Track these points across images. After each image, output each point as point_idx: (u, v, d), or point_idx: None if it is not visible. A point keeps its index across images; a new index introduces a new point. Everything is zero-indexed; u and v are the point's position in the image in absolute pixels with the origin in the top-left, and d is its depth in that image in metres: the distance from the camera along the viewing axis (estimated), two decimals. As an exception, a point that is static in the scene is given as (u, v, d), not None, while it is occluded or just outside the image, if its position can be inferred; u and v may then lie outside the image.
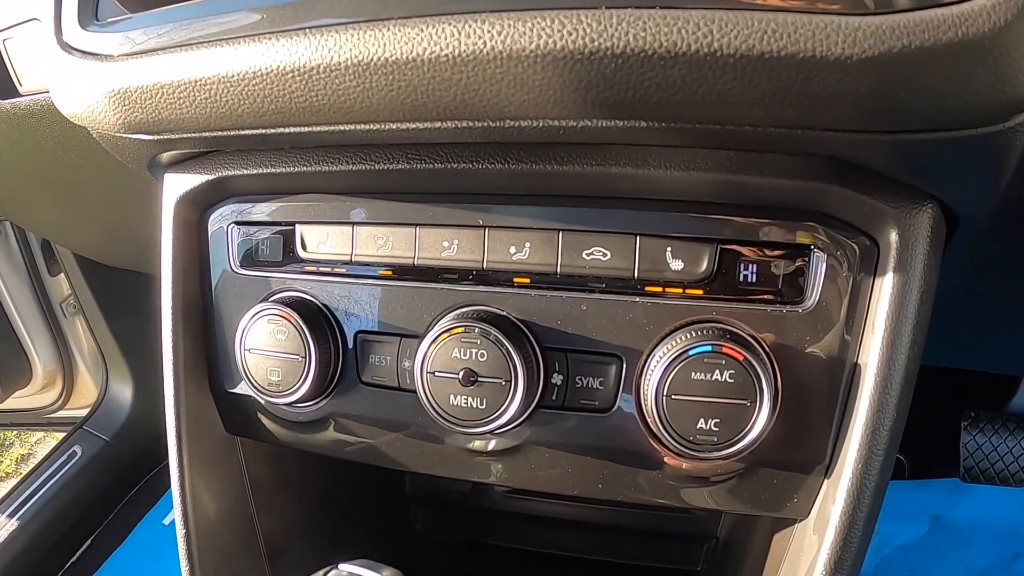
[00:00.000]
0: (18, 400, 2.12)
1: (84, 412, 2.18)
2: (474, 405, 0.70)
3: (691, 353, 0.64)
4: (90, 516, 2.08)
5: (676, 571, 1.30)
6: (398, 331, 0.76)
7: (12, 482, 2.21)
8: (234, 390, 0.86)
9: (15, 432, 3.19)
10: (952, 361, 1.25)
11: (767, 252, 0.66)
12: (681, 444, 0.66)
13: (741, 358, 0.64)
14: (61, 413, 2.24)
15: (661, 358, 0.66)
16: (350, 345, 0.78)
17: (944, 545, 1.87)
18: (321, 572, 0.70)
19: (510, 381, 0.68)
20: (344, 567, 0.70)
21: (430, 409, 0.72)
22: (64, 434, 2.16)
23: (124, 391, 2.16)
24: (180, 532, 0.88)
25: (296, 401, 0.79)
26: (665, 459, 0.71)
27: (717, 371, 0.64)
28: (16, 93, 0.98)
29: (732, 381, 0.64)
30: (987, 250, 0.77)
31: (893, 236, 0.62)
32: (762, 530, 0.93)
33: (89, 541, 2.07)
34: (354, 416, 0.81)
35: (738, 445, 0.65)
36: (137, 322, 2.08)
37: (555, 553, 1.35)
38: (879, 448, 0.65)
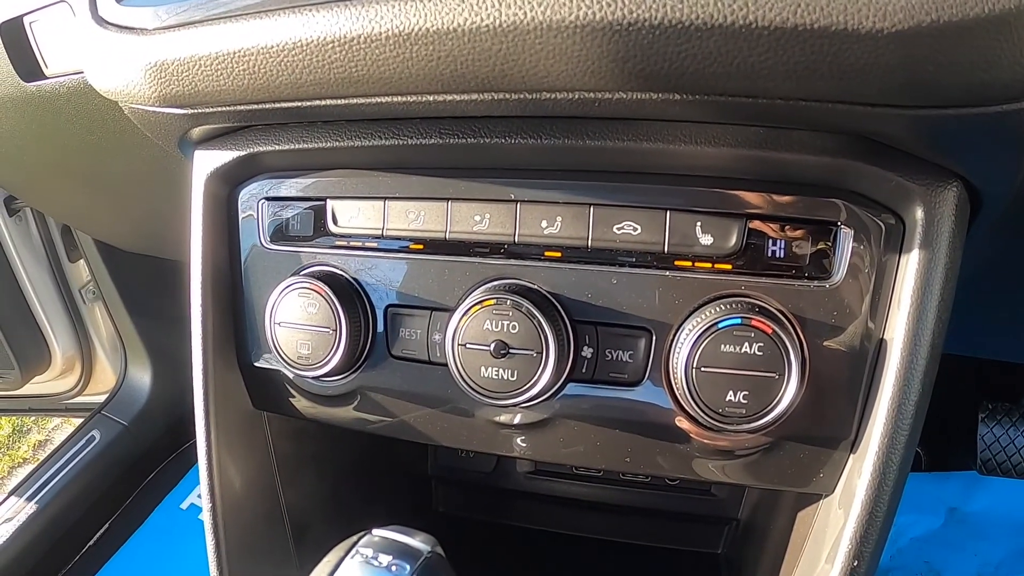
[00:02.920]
0: (37, 386, 2.12)
1: (102, 398, 2.19)
2: (505, 377, 0.70)
3: (720, 326, 0.65)
4: (107, 500, 2.09)
5: (696, 553, 1.31)
6: (429, 304, 0.76)
7: (30, 468, 2.23)
8: (262, 365, 0.87)
9: (33, 418, 3.20)
10: (973, 350, 1.25)
11: (795, 228, 0.67)
12: (710, 417, 0.67)
13: (770, 331, 0.64)
14: (79, 399, 2.25)
15: (691, 331, 0.66)
16: (380, 319, 0.79)
17: (960, 537, 1.87)
18: (355, 536, 0.70)
19: (541, 353, 0.69)
20: (378, 532, 0.71)
21: (461, 381, 0.72)
22: (82, 420, 2.17)
23: (143, 377, 2.17)
24: (206, 507, 0.89)
25: (325, 374, 0.79)
26: (693, 433, 0.72)
27: (746, 344, 0.65)
28: (42, 75, 0.98)
29: (760, 354, 0.65)
30: (1011, 232, 0.77)
31: (919, 213, 0.63)
32: (785, 510, 0.93)
33: (106, 525, 2.08)
34: (383, 390, 0.81)
35: (766, 418, 0.66)
36: (156, 308, 2.09)
37: (575, 534, 1.36)
38: (905, 423, 0.66)
